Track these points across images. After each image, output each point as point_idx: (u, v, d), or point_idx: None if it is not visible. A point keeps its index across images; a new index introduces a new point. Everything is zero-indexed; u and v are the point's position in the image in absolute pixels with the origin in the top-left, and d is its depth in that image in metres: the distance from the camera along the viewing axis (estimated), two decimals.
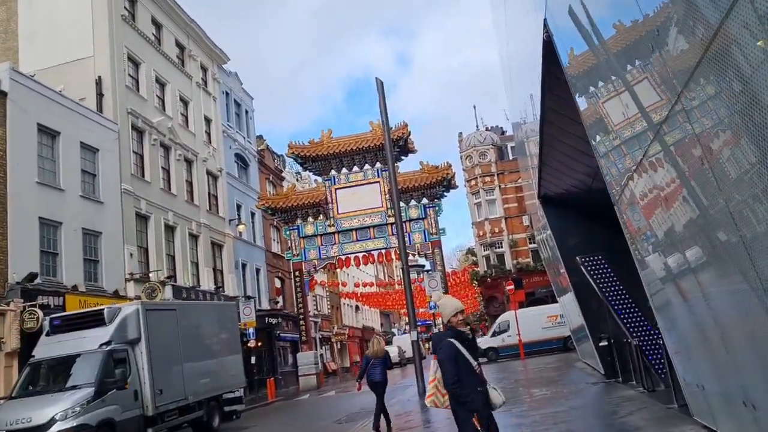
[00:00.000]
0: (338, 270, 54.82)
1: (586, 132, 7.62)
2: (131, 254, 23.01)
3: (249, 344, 27.06)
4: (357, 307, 61.04)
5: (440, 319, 5.56)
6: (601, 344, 15.48)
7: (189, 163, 29.57)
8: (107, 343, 12.92)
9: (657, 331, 11.53)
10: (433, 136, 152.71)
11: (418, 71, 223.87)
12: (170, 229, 26.75)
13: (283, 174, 44.36)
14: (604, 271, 11.82)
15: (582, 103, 7.64)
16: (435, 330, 31.71)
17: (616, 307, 11.64)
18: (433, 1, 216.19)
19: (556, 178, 15.36)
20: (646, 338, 11.38)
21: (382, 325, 73.45)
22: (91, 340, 12.97)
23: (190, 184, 29.44)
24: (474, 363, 5.09)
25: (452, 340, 5.07)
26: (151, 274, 23.75)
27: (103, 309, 13.57)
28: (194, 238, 28.79)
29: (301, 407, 21.84)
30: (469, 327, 5.46)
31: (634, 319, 11.55)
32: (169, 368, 14.33)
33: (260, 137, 42.21)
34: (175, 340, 14.78)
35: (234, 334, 18.01)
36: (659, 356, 11.33)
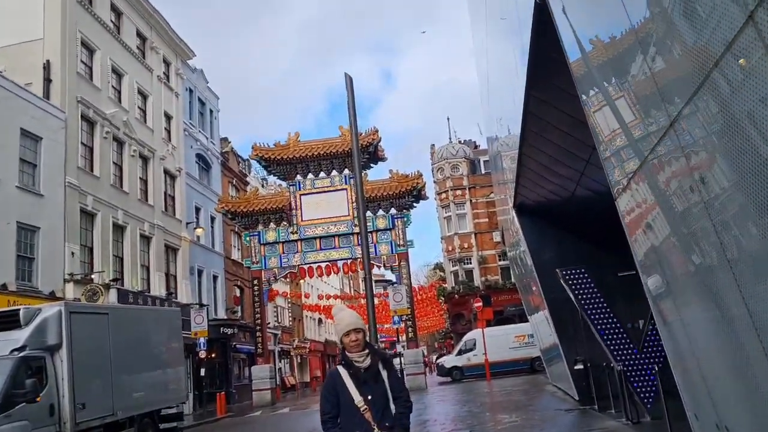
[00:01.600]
0: (301, 281, 53.35)
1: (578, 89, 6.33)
2: (73, 253, 21.21)
3: (200, 355, 25.31)
4: (320, 320, 59.26)
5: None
6: (576, 367, 14.26)
7: (145, 160, 27.84)
8: (20, 349, 11.25)
9: (644, 355, 10.31)
10: (416, 154, 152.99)
11: (402, 88, 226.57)
12: (119, 229, 24.96)
13: (247, 179, 42.70)
14: (587, 285, 10.58)
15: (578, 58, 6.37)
16: (399, 347, 30.24)
17: (598, 327, 10.39)
18: (418, 20, 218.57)
19: (536, 183, 14.16)
20: (632, 363, 10.15)
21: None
22: (2, 344, 11.29)
23: (144, 182, 27.69)
24: (358, 400, 3.77)
25: (339, 367, 3.92)
26: (93, 276, 21.94)
27: (19, 309, 11.89)
28: (146, 239, 27.01)
29: (250, 425, 20.19)
30: (367, 352, 4.30)
31: (618, 341, 10.31)
32: (95, 379, 12.67)
33: (225, 139, 40.53)
34: (105, 347, 13.11)
35: (177, 343, 16.35)
36: (647, 384, 10.11)
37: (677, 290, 5.23)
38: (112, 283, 22.90)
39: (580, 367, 14.15)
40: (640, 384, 10.08)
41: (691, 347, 5.25)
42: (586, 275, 10.67)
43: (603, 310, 10.39)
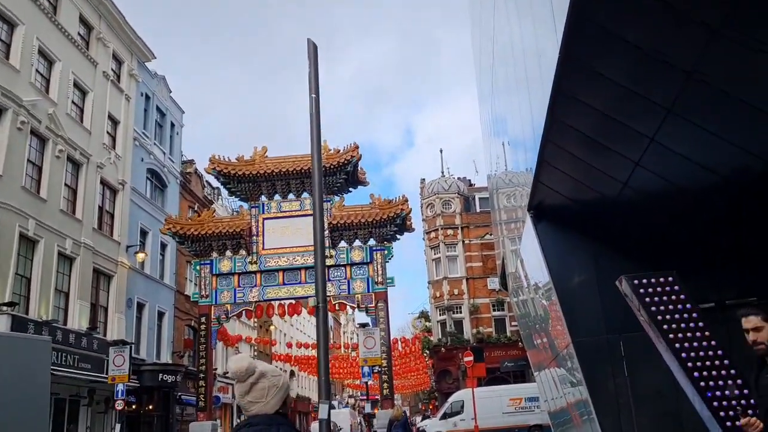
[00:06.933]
0: (272, 327, 48.12)
1: None
2: None
3: (116, 406, 20.10)
4: (292, 373, 53.55)
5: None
6: None
7: (76, 165, 23.18)
8: None
9: None
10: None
11: (420, 145, 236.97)
12: (28, 243, 20.10)
13: (213, 207, 37.84)
14: (679, 304, 5.83)
15: None
16: (367, 407, 24.84)
17: (697, 374, 5.62)
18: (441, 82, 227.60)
19: (566, 173, 9.55)
20: None
21: (329, 398, 65.36)
22: None
23: (73, 191, 22.96)
24: None
25: None
26: None
27: None
28: (67, 260, 22.08)
29: None
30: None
31: (735, 395, 5.54)
32: None
33: (191, 162, 36.04)
34: None
35: (34, 390, 11.31)
36: None
37: None
38: (5, 307, 17.96)
39: None
40: None
41: None
42: (677, 288, 5.94)
43: (710, 351, 5.63)
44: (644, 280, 6.04)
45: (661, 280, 6.00)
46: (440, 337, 37.57)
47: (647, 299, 5.98)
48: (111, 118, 25.98)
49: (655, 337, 6.20)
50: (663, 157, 7.18)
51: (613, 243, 10.48)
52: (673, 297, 5.91)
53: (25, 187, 20.08)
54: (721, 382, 5.70)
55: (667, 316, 5.87)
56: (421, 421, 37.53)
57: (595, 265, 10.48)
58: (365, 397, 64.17)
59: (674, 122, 6.48)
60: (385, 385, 23.95)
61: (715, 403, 5.69)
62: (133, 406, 25.71)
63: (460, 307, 37.36)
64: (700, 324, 5.86)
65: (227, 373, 36.20)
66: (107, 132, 25.60)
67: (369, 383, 22.26)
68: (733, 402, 5.70)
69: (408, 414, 49.98)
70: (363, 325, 24.36)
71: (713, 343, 5.80)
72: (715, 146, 6.71)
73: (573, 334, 10.54)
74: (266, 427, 2.41)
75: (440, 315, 38.04)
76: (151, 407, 27.70)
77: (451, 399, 29.96)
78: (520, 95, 10.80)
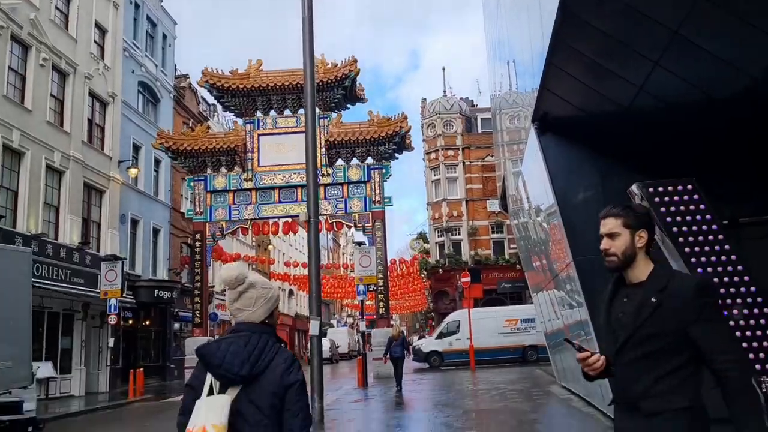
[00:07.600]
0: (270, 246, 48.04)
1: None
2: None
3: (109, 320, 19.96)
4: (291, 292, 53.94)
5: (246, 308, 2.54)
6: None
7: (62, 75, 22.21)
8: None
9: None
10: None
11: (426, 68, 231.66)
12: (14, 155, 19.45)
13: (209, 124, 36.92)
14: (698, 215, 5.28)
15: None
16: (362, 325, 24.84)
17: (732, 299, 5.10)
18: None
19: (576, 78, 8.79)
20: None
21: (320, 315, 66.23)
22: None
23: (60, 102, 22.10)
24: None
25: None
26: None
27: None
28: (56, 173, 21.48)
29: (155, 416, 14.93)
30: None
31: (740, 316, 5.06)
32: None
33: (185, 76, 34.85)
34: None
35: (15, 301, 10.95)
36: None
37: None
38: None
39: None
40: None
41: None
42: (696, 197, 5.36)
43: (729, 266, 5.10)
44: (660, 188, 5.45)
45: (679, 188, 5.41)
46: (438, 258, 37.44)
47: (662, 209, 5.40)
48: (98, 26, 24.78)
49: (668, 252, 5.66)
50: (686, 55, 6.45)
51: (623, 157, 9.81)
52: (692, 207, 5.34)
53: (8, 96, 19.23)
54: (739, 301, 5.19)
55: (684, 228, 5.31)
56: (418, 340, 37.84)
57: (601, 180, 9.86)
58: (361, 316, 65.06)
59: (702, 11, 5.73)
60: (381, 304, 23.85)
61: (731, 323, 5.20)
62: (130, 321, 25.75)
63: (459, 229, 37.05)
64: (720, 237, 5.30)
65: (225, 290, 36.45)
66: (94, 41, 24.47)
67: (365, 302, 22.09)
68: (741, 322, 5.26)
69: (405, 334, 50.57)
70: (359, 244, 24.01)
71: (734, 257, 5.26)
72: (746, 38, 5.97)
73: (575, 253, 10.05)
74: (250, 334, 2.49)
75: (439, 236, 37.78)
76: (148, 323, 27.81)
77: (447, 319, 30.03)
78: (530, 11, 9.94)
